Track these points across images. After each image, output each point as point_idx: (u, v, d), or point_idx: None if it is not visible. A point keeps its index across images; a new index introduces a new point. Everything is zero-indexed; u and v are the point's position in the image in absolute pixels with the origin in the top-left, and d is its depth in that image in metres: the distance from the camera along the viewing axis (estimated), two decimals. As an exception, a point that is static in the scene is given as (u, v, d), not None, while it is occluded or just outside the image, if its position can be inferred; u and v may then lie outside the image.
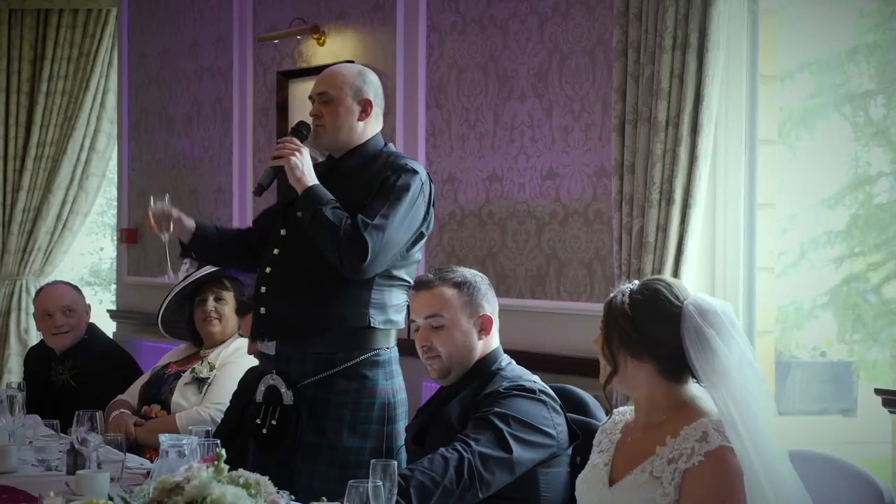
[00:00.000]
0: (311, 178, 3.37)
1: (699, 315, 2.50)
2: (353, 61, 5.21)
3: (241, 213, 6.05)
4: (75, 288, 5.15)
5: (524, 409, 3.00)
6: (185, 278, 4.55)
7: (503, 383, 3.07)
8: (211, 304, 4.48)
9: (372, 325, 3.42)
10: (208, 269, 4.51)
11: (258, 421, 3.47)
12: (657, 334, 2.54)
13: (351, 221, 3.29)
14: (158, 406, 4.42)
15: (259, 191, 3.43)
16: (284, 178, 3.46)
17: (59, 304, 5.00)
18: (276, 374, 3.45)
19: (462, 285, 3.17)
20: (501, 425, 2.95)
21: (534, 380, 3.14)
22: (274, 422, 3.42)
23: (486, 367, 3.17)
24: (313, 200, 3.32)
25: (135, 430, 4.33)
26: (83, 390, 4.80)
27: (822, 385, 6.44)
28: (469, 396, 3.12)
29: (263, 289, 3.49)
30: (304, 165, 3.37)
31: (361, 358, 3.43)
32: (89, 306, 5.11)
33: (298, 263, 3.45)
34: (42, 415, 4.16)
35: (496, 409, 2.98)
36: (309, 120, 3.51)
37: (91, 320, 5.14)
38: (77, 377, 4.92)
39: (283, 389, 3.42)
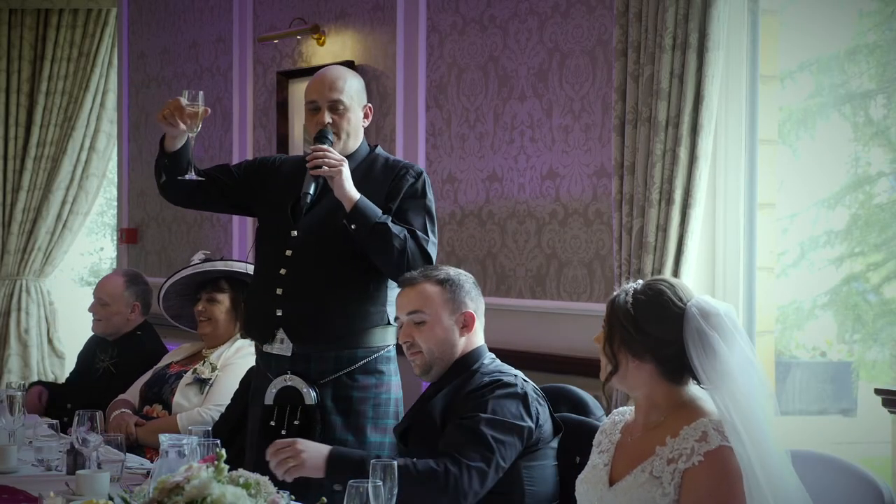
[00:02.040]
0: (356, 192, 3.40)
1: (702, 317, 2.50)
2: (353, 61, 5.21)
3: (241, 213, 6.05)
4: (129, 281, 5.08)
5: (508, 409, 3.02)
6: (183, 268, 4.57)
7: (483, 379, 3.09)
8: (202, 305, 4.49)
9: (390, 322, 3.47)
10: (201, 266, 4.50)
11: (272, 423, 3.46)
12: (659, 335, 2.54)
13: (412, 237, 3.39)
14: (160, 406, 4.42)
15: (305, 199, 3.42)
16: (282, 178, 3.46)
17: (98, 293, 5.05)
18: (293, 374, 3.46)
19: (445, 283, 3.20)
20: (488, 432, 2.97)
21: (514, 373, 3.15)
22: (297, 422, 3.42)
23: (467, 365, 3.19)
24: (368, 214, 3.37)
25: (136, 430, 4.33)
26: (119, 380, 4.82)
27: (822, 385, 6.44)
28: (451, 393, 3.14)
29: (280, 290, 3.49)
30: (349, 179, 3.40)
31: (378, 354, 3.49)
32: (136, 305, 5.04)
33: (315, 265, 3.47)
34: (80, 398, 4.16)
35: (481, 415, 2.99)
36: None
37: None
38: (117, 366, 4.94)
39: (305, 389, 3.43)
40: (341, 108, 3.49)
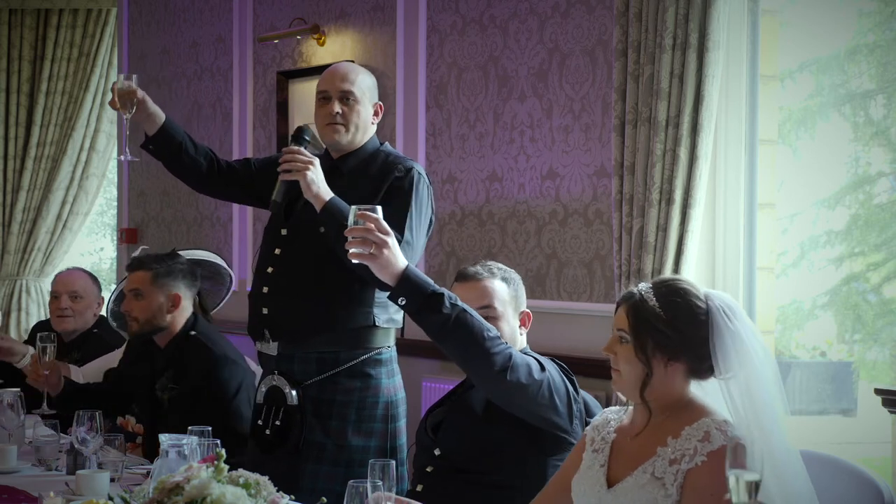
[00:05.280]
0: (328, 192, 3.32)
1: (726, 309, 2.55)
2: (353, 61, 5.21)
3: (242, 213, 6.05)
4: (93, 278, 5.08)
5: (562, 380, 3.07)
6: (121, 281, 4.43)
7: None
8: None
9: (376, 323, 3.43)
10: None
11: (260, 422, 3.46)
12: (693, 333, 2.55)
13: None
14: (134, 419, 4.32)
15: (275, 207, 3.40)
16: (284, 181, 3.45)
17: (68, 287, 4.96)
18: (279, 374, 3.45)
19: (509, 281, 3.22)
20: (543, 360, 3.03)
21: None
22: (278, 422, 3.41)
23: None
24: (338, 216, 3.26)
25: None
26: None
27: (822, 385, 6.44)
28: None
29: (266, 289, 3.48)
30: (319, 179, 3.33)
31: (365, 357, 3.44)
32: (102, 299, 5.04)
33: (302, 264, 3.45)
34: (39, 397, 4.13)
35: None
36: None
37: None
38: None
39: (287, 389, 3.42)
40: (351, 99, 3.46)
